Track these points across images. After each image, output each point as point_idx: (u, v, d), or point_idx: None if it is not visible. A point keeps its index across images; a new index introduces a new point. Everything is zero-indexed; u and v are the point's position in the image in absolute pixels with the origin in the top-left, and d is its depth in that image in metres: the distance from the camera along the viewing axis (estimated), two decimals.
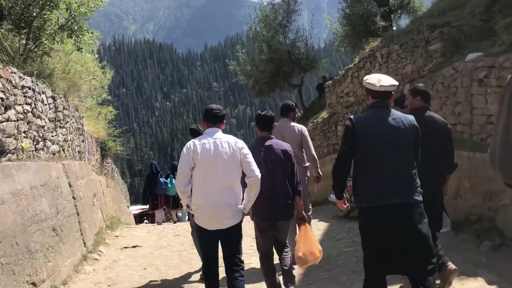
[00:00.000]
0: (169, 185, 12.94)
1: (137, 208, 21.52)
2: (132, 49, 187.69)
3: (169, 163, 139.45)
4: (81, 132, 8.91)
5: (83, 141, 9.02)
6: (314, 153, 5.50)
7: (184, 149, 3.90)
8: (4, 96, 4.86)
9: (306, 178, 5.44)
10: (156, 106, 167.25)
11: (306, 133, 5.53)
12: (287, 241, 4.35)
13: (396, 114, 3.26)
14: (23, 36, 7.45)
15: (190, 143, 3.93)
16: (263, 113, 4.36)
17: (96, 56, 34.89)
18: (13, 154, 5.04)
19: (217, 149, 3.80)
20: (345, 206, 3.50)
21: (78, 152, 8.43)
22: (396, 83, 3.34)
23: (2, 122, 4.81)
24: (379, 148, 3.14)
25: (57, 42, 7.89)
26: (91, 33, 8.36)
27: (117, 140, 14.85)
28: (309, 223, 5.02)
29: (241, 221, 3.90)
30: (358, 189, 3.25)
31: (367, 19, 17.94)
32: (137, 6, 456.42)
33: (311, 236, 4.11)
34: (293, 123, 5.50)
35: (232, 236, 3.86)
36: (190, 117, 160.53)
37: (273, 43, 16.70)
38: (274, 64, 16.43)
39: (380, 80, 3.27)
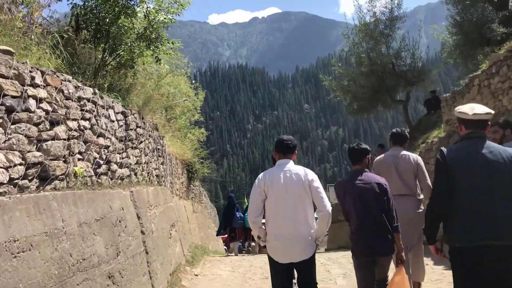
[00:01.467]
0: (247, 218, 12.70)
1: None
2: (226, 73, 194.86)
3: None
4: (160, 153, 7.97)
5: (163, 163, 8.07)
6: (430, 183, 4.91)
7: (256, 180, 3.96)
8: (50, 108, 3.88)
9: (420, 211, 4.88)
10: (248, 129, 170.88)
11: (422, 162, 5.07)
12: (387, 277, 4.11)
13: (493, 146, 2.96)
14: (99, 47, 6.72)
15: (261, 175, 3.98)
16: (355, 145, 4.18)
17: (193, 81, 35.25)
18: (62, 180, 4.02)
19: (287, 181, 3.83)
20: (438, 255, 3.17)
21: (156, 176, 7.46)
22: (492, 111, 3.04)
23: (47, 140, 3.81)
24: (473, 183, 2.87)
25: (135, 54, 7.06)
26: (172, 43, 7.46)
27: (205, 162, 13.99)
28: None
29: (314, 254, 3.89)
30: (450, 227, 2.98)
31: (482, 26, 15.60)
32: (232, 33, 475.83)
33: (404, 281, 3.81)
34: (406, 152, 5.06)
35: (305, 267, 3.87)
36: None
37: (375, 54, 14.86)
38: (375, 77, 14.49)
39: (473, 108, 3.05)
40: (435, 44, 16.02)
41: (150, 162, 7.05)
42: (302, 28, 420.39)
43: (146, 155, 6.74)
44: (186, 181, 12.82)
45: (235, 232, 13.79)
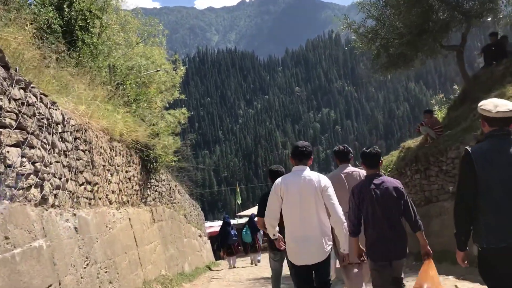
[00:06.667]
0: (245, 234, 14.91)
1: (218, 225, 21.94)
2: (215, 59, 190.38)
3: (254, 170, 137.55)
4: (33, 130, 3.32)
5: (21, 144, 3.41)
6: None
7: (273, 185, 4.22)
8: None
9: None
10: (239, 114, 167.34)
11: None
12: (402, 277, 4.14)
13: None
14: None
15: (278, 180, 4.20)
16: (369, 150, 4.24)
17: (172, 54, 29.87)
18: None
19: (301, 187, 4.02)
20: (463, 263, 3.04)
21: None
22: None
23: None
24: (499, 182, 2.80)
25: None
26: None
27: (168, 145, 9.35)
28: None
29: (328, 256, 4.07)
30: (477, 227, 2.92)
31: None
32: (219, 17, 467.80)
33: (433, 272, 3.84)
34: (353, 168, 5.07)
35: (320, 269, 4.05)
36: (273, 123, 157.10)
37: None
38: (419, 11, 9.57)
39: (497, 105, 2.94)
40: None
41: None
42: (290, 10, 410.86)
43: None
44: (139, 175, 8.19)
45: (231, 248, 15.01)
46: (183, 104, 30.23)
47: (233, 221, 30.57)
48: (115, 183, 6.60)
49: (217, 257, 20.04)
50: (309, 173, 4.09)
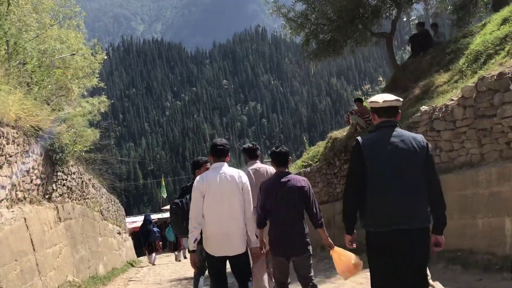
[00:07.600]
0: (167, 232, 15.85)
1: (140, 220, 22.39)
2: (141, 49, 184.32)
3: (181, 162, 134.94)
4: None
5: None
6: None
7: (195, 183, 4.30)
8: None
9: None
10: (166, 106, 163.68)
11: None
12: (311, 275, 4.28)
13: (404, 134, 3.15)
14: None
15: (198, 178, 4.31)
16: (278, 149, 4.44)
17: (91, 39, 27.94)
18: None
19: (222, 182, 4.17)
20: (351, 245, 3.31)
21: None
22: (401, 99, 3.25)
23: None
24: (387, 171, 3.03)
25: None
26: None
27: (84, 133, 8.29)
28: None
29: (247, 248, 4.29)
30: (365, 213, 3.14)
31: None
32: (145, 6, 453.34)
33: (342, 256, 4.04)
34: (261, 165, 5.35)
35: (240, 260, 4.21)
36: (201, 116, 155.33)
37: None
38: None
39: (383, 97, 3.24)
40: None
41: None
42: (218, 2, 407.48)
43: None
44: (40, 167, 7.08)
45: (152, 246, 15.79)
46: (105, 93, 28.35)
47: (158, 216, 29.42)
48: (7, 176, 5.54)
49: (140, 253, 19.07)
50: (228, 169, 4.25)
